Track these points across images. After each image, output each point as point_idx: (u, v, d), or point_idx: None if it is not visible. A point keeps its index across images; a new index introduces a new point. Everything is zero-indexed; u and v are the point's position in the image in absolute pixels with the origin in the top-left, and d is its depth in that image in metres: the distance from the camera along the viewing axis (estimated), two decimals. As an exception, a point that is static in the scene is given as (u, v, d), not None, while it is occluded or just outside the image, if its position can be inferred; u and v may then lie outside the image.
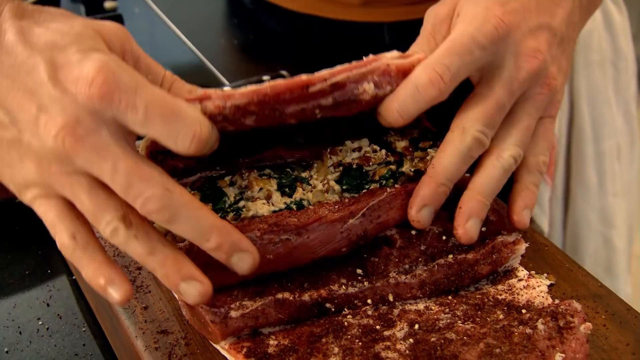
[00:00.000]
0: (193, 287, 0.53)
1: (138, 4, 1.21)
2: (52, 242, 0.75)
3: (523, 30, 0.63)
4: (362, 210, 0.62)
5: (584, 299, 0.63)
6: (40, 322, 0.68)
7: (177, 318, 0.61)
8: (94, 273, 0.53)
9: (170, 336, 0.59)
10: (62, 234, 0.53)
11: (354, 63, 0.61)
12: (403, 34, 0.98)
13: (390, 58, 0.62)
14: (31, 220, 0.79)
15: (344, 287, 0.61)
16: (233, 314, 0.57)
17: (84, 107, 0.49)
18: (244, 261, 0.55)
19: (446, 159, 0.61)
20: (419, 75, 0.61)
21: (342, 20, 1.01)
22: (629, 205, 1.07)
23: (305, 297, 0.60)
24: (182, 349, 0.58)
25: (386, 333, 0.59)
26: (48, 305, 0.70)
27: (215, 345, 0.58)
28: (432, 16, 0.67)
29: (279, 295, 0.59)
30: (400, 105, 0.61)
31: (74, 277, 0.72)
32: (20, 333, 0.67)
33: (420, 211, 0.62)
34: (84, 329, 0.67)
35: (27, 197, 0.54)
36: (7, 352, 0.65)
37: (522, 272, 0.65)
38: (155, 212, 0.51)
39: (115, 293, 0.53)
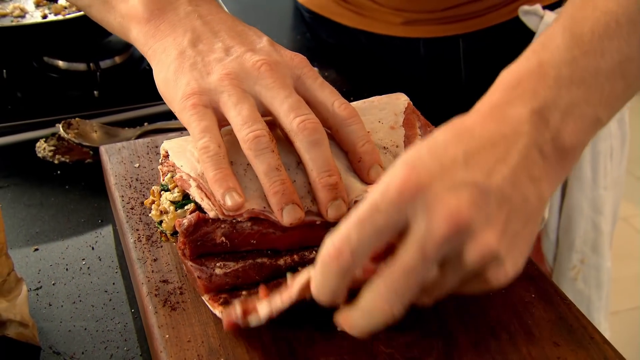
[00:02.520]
0: (293, 211, 0.60)
1: None
2: (106, 197, 0.83)
3: (438, 189, 0.48)
4: None
5: (520, 279, 0.66)
6: (83, 262, 0.76)
7: (178, 271, 0.67)
8: (221, 178, 0.60)
9: (169, 285, 0.65)
10: (211, 140, 0.61)
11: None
12: (436, 48, 1.06)
13: None
14: (93, 177, 0.87)
15: (314, 252, 0.66)
16: (217, 271, 0.63)
17: (284, 64, 0.66)
18: (339, 208, 0.61)
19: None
20: (324, 250, 0.51)
21: (384, 35, 1.08)
22: (616, 197, 1.12)
23: (281, 261, 0.64)
24: (177, 297, 0.64)
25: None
26: (93, 248, 0.78)
27: (201, 296, 0.64)
28: None
29: (258, 260, 0.64)
30: (316, 282, 0.53)
31: (116, 228, 0.79)
32: (67, 270, 0.75)
33: None
34: (115, 271, 0.74)
35: (189, 103, 0.63)
36: (53, 284, 0.73)
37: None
38: (310, 130, 0.61)
39: (230, 200, 0.60)
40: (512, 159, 0.50)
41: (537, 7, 0.97)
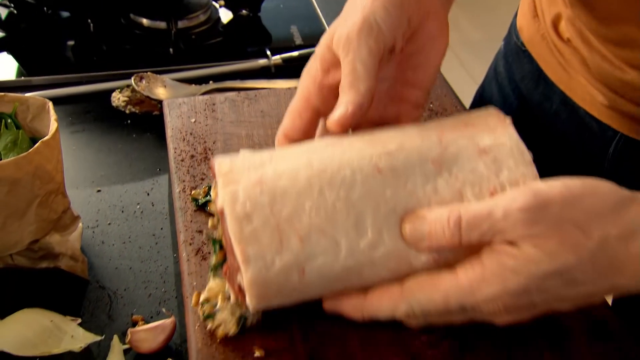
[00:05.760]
0: None
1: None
2: (166, 147, 0.81)
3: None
4: None
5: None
6: (138, 206, 0.74)
7: (214, 222, 0.64)
8: None
9: (204, 236, 0.63)
10: None
11: None
12: (633, 153, 0.73)
13: None
14: (158, 129, 0.85)
15: None
16: None
17: None
18: None
19: None
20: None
21: (580, 107, 0.76)
22: None
23: None
24: (209, 247, 0.61)
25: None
26: (148, 194, 0.76)
27: None
28: None
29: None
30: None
31: (171, 176, 0.77)
32: (122, 212, 0.73)
33: None
34: (165, 217, 0.73)
35: None
36: (109, 224, 0.72)
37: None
38: None
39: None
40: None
41: None
